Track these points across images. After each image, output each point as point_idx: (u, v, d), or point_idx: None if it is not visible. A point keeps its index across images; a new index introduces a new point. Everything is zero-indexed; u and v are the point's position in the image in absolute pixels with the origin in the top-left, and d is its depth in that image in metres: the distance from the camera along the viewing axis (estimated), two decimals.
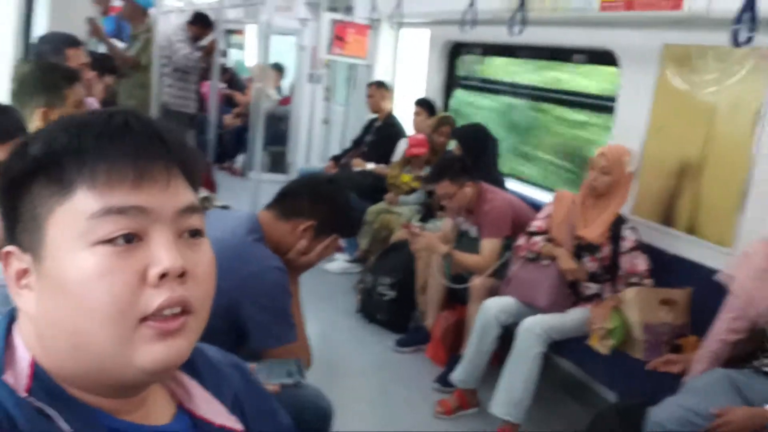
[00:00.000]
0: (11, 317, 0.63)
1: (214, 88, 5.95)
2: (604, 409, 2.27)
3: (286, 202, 1.76)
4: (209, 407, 0.71)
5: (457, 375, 2.79)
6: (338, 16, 4.89)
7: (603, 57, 3.25)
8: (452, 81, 4.61)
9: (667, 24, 2.77)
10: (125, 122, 0.60)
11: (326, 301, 3.85)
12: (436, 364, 3.18)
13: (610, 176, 2.63)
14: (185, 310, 0.60)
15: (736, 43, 2.09)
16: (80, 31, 4.17)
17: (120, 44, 5.26)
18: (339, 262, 4.41)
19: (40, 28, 3.75)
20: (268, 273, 1.61)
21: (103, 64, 3.98)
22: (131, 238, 0.58)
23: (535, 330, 2.54)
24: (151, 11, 5.09)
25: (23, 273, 0.60)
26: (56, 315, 0.58)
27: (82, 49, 2.60)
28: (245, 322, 1.61)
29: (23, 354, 0.60)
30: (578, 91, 3.88)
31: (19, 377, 0.58)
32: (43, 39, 2.63)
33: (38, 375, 0.59)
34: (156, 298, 0.58)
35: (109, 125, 0.59)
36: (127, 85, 4.90)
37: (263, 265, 1.62)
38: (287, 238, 1.71)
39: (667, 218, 2.83)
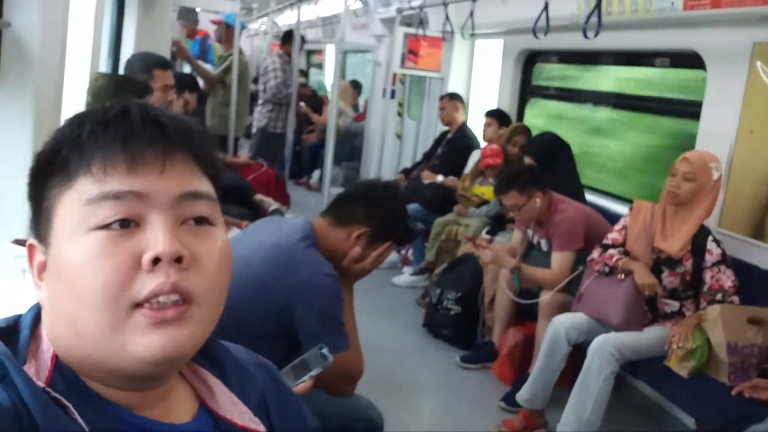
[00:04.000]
0: (38, 309, 0.63)
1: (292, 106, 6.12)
2: None
3: (341, 209, 1.72)
4: (232, 407, 0.69)
5: (523, 394, 2.64)
6: (412, 30, 4.89)
7: (687, 59, 3.05)
8: (527, 90, 4.48)
9: (757, 21, 2.55)
10: (123, 110, 0.60)
11: (391, 315, 3.80)
12: (502, 383, 3.05)
13: (694, 183, 2.43)
14: (185, 299, 0.58)
15: None
16: (165, 51, 4.40)
17: (206, 65, 5.53)
18: (405, 275, 4.35)
19: (128, 47, 3.98)
20: (319, 279, 1.58)
21: (182, 82, 4.16)
22: (127, 224, 0.57)
23: (608, 349, 2.37)
24: (237, 36, 5.37)
25: (43, 266, 0.61)
26: (58, 303, 0.59)
27: (169, 72, 2.70)
28: (297, 329, 1.58)
29: (47, 346, 0.60)
30: (662, 97, 3.65)
31: (41, 368, 0.58)
32: (135, 57, 2.77)
33: (59, 367, 0.59)
34: (148, 284, 0.56)
35: (106, 114, 0.60)
36: (214, 103, 5.13)
37: (314, 271, 1.58)
38: (341, 245, 1.67)
39: (759, 231, 2.58)
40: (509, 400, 2.80)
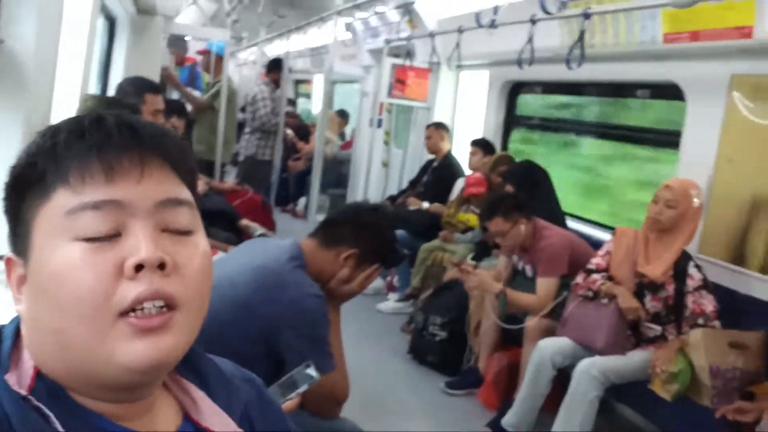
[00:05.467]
0: (19, 320, 0.63)
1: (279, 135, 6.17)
2: None
3: (330, 231, 1.72)
4: (216, 419, 0.68)
5: (509, 419, 2.64)
6: (399, 60, 4.98)
7: (668, 91, 3.13)
8: (511, 120, 4.56)
9: (735, 54, 2.65)
10: (97, 118, 0.60)
11: (376, 341, 3.78)
12: (487, 409, 3.03)
13: (676, 210, 2.48)
14: (169, 306, 0.58)
15: None
16: (155, 77, 4.43)
17: (195, 92, 5.57)
18: (390, 302, 4.35)
19: (117, 71, 4.01)
20: (306, 300, 1.57)
21: (171, 107, 4.18)
22: (110, 234, 0.57)
23: (592, 372, 2.38)
24: (226, 64, 5.43)
25: (23, 280, 0.60)
26: (41, 315, 0.58)
27: (160, 97, 2.72)
28: (283, 349, 1.57)
29: (28, 356, 0.60)
30: (643, 127, 3.74)
31: (23, 378, 0.58)
32: (127, 80, 2.79)
33: (41, 377, 0.58)
34: (131, 291, 0.56)
35: (80, 124, 0.59)
36: (201, 129, 5.15)
37: (301, 292, 1.58)
38: (329, 267, 1.67)
39: (738, 257, 2.64)
40: (495, 425, 2.78)
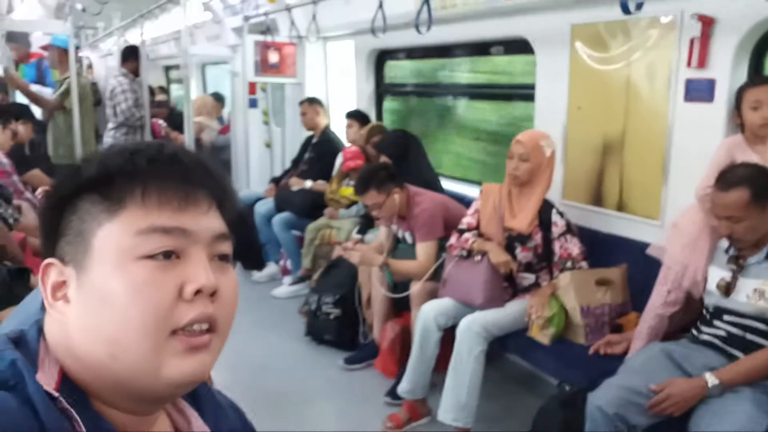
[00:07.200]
0: (39, 327, 0.65)
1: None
2: (548, 401, 2.19)
3: None
4: None
5: (404, 386, 2.69)
6: (261, 37, 4.82)
7: (519, 46, 3.22)
8: (382, 90, 4.56)
9: (574, 4, 2.75)
10: (175, 152, 0.66)
11: (275, 328, 3.72)
12: (387, 377, 3.07)
13: (530, 163, 2.57)
14: (211, 328, 0.64)
15: (627, 10, 2.05)
16: None
17: (45, 90, 5.14)
18: (285, 286, 4.29)
19: None
20: None
21: (8, 112, 3.85)
22: (170, 255, 0.62)
23: (474, 328, 2.46)
24: (83, 54, 5.00)
25: (60, 285, 0.63)
26: (97, 324, 0.61)
27: None
28: None
29: (54, 360, 0.63)
30: (502, 83, 3.85)
31: (49, 380, 0.60)
32: None
33: (66, 381, 0.61)
34: (189, 312, 0.61)
35: (161, 152, 0.65)
36: (57, 131, 4.78)
37: None
38: None
39: (597, 198, 2.79)
40: (393, 393, 2.83)
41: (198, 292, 0.62)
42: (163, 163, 0.64)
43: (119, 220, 0.62)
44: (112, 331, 0.60)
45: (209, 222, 0.65)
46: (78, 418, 0.58)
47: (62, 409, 0.58)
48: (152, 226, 0.61)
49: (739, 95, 2.14)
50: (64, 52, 4.72)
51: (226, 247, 0.68)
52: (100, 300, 0.61)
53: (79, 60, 5.30)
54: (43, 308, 0.66)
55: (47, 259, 0.65)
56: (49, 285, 0.64)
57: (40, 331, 0.65)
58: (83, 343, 0.62)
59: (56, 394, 0.58)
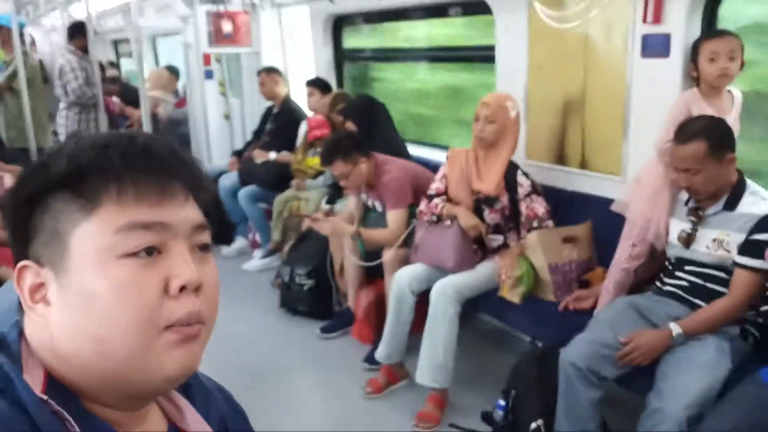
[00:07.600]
0: (19, 329, 0.64)
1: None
2: (522, 358, 2.26)
3: None
4: (199, 427, 0.73)
5: (381, 351, 2.74)
6: (213, 7, 4.68)
7: (478, 7, 3.20)
8: (341, 56, 4.50)
9: None
10: (147, 143, 0.63)
11: (247, 302, 3.72)
12: (364, 343, 3.12)
13: (495, 124, 2.59)
14: (199, 321, 0.63)
15: None
16: None
17: None
18: (255, 260, 4.28)
19: None
20: None
21: None
22: (152, 251, 0.61)
23: (447, 292, 2.51)
24: (27, 31, 4.78)
25: (38, 287, 0.62)
26: (82, 325, 0.60)
27: None
28: None
29: (38, 361, 0.62)
30: (462, 46, 3.83)
31: (35, 382, 0.59)
32: None
33: (51, 382, 0.60)
34: (178, 309, 0.61)
35: (133, 145, 0.62)
36: (7, 114, 4.61)
37: None
38: None
39: (560, 157, 2.84)
40: (370, 359, 2.88)
41: (183, 287, 0.61)
42: (136, 156, 0.62)
43: (96, 219, 0.60)
44: (100, 332, 0.59)
45: (187, 213, 0.64)
46: (70, 419, 0.57)
47: (53, 410, 0.57)
48: (131, 223, 0.60)
49: (696, 48, 2.18)
50: (8, 31, 4.51)
51: (206, 237, 0.67)
52: (84, 301, 0.59)
53: (22, 39, 5.07)
54: (19, 309, 0.64)
55: (21, 261, 0.63)
56: (26, 288, 0.62)
57: (21, 332, 0.63)
58: (69, 343, 0.61)
59: (45, 397, 0.57)
